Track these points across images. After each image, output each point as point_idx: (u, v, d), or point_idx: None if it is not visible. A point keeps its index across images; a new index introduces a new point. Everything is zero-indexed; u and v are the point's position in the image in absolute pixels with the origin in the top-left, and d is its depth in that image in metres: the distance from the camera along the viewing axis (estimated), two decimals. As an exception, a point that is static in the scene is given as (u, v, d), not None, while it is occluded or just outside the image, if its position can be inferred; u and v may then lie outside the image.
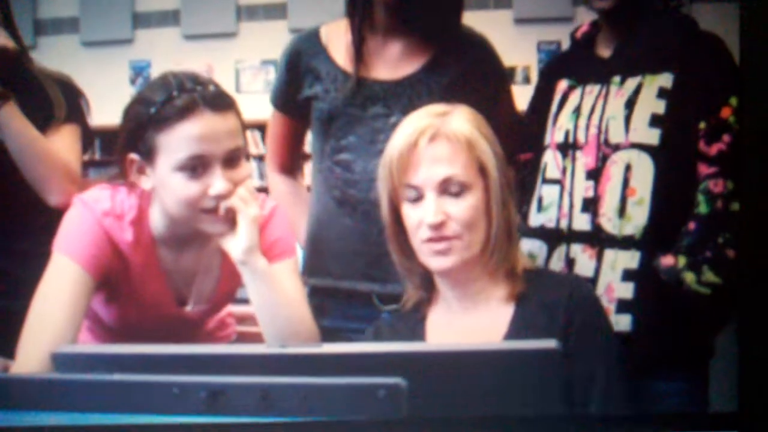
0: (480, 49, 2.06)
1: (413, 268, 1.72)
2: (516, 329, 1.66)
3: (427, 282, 1.74)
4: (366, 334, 1.80)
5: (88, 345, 1.87)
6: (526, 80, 6.25)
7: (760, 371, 1.57)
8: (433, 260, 1.66)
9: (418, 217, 1.65)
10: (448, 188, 1.64)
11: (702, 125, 1.84)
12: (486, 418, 1.25)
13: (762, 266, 1.61)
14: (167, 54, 6.83)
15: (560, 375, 1.47)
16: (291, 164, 2.22)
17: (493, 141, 1.69)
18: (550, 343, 1.26)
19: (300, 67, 2.06)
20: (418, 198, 1.65)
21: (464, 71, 2.00)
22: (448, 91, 1.94)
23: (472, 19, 2.06)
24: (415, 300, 1.76)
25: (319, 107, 2.03)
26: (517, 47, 6.23)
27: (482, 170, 1.66)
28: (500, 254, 1.67)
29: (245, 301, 1.83)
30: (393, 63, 2.01)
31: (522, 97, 2.16)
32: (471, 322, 1.70)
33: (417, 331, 1.73)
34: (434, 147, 1.64)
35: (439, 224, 1.63)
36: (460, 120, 1.67)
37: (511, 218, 1.69)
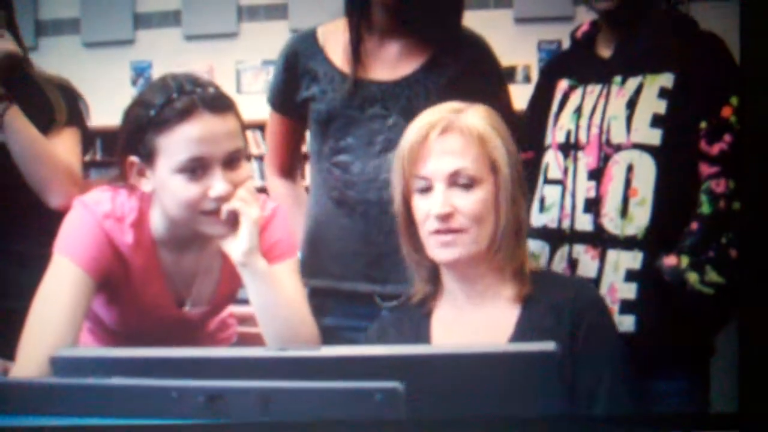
0: (477, 49, 2.06)
1: (422, 261, 1.72)
2: (522, 330, 1.66)
3: (435, 276, 1.75)
4: (370, 330, 1.80)
5: (87, 348, 1.86)
6: (527, 79, 6.25)
7: (761, 371, 1.57)
8: (438, 252, 1.66)
9: (426, 208, 1.66)
10: (457, 181, 1.64)
11: (703, 125, 1.84)
12: (485, 419, 1.25)
13: (764, 266, 1.60)
14: (168, 54, 6.83)
15: (559, 377, 1.48)
16: (290, 166, 2.22)
17: (507, 138, 1.69)
18: (549, 346, 1.26)
19: (297, 68, 2.06)
20: (428, 189, 1.66)
21: (462, 71, 2.00)
22: (446, 92, 1.94)
23: (473, 19, 2.06)
24: (422, 295, 1.76)
25: (316, 108, 2.03)
26: (517, 46, 6.24)
27: (493, 166, 1.66)
28: (507, 251, 1.67)
29: (246, 301, 1.83)
30: (390, 64, 2.01)
31: (523, 96, 2.16)
32: (476, 320, 1.70)
33: (422, 327, 1.73)
34: (445, 140, 1.65)
35: (446, 216, 1.63)
36: (474, 116, 1.68)
37: (520, 216, 1.69)
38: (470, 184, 1.64)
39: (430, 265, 1.72)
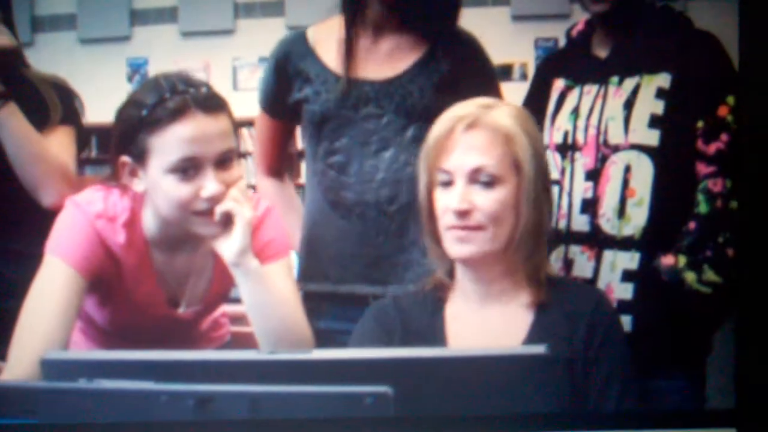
0: (469, 47, 2.03)
1: (443, 255, 1.70)
2: (535, 336, 1.65)
3: (453, 272, 1.73)
4: (386, 301, 1.78)
5: (77, 352, 1.86)
6: (523, 77, 6.23)
7: (758, 369, 1.57)
8: (454, 247, 1.65)
9: (445, 202, 1.64)
10: (478, 177, 1.62)
11: (700, 124, 1.84)
12: (475, 420, 1.25)
13: (761, 264, 1.60)
14: (165, 51, 6.82)
15: (551, 379, 1.48)
16: (279, 166, 2.20)
17: (535, 139, 1.67)
18: (539, 349, 1.26)
19: (288, 69, 2.04)
20: (449, 183, 1.64)
21: (455, 69, 1.98)
22: (440, 89, 1.94)
23: (470, 16, 2.05)
24: (436, 284, 1.74)
25: (310, 110, 2.01)
26: (514, 44, 6.22)
27: (517, 166, 1.63)
28: (524, 253, 1.65)
29: (240, 300, 1.82)
30: (383, 62, 1.99)
31: (520, 94, 2.15)
32: (490, 321, 1.69)
33: (436, 317, 1.71)
34: (471, 135, 1.63)
35: (463, 212, 1.61)
36: (503, 113, 1.66)
37: (542, 219, 1.66)
38: (491, 182, 1.62)
39: (450, 260, 1.70)
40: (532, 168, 1.63)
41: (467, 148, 1.63)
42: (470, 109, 1.66)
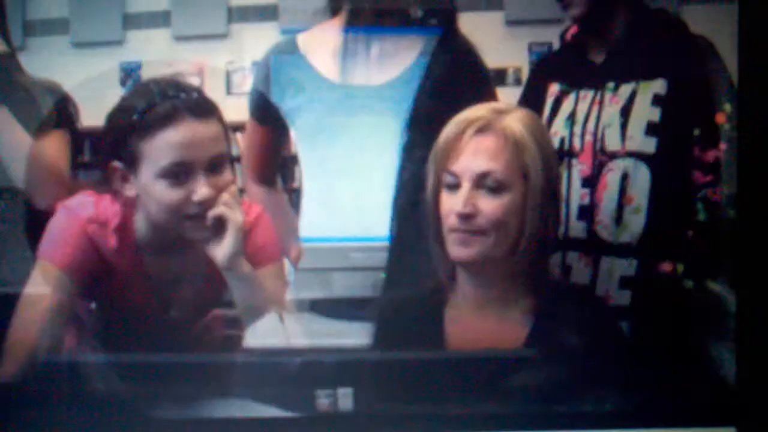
0: (464, 50, 2.02)
1: (445, 257, 1.69)
2: (534, 341, 1.64)
3: (454, 276, 1.72)
4: (383, 307, 1.78)
5: (69, 354, 1.85)
6: (517, 82, 6.24)
7: (758, 369, 1.57)
8: (456, 250, 1.64)
9: (450, 205, 1.64)
10: (484, 182, 1.62)
11: (696, 132, 1.83)
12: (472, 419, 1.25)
13: (760, 272, 1.60)
14: (158, 55, 6.82)
15: (544, 382, 1.48)
16: (270, 173, 2.20)
17: (545, 147, 1.66)
18: (530, 353, 1.26)
19: (280, 78, 2.04)
20: (455, 186, 1.63)
21: (449, 72, 1.97)
22: (434, 93, 1.93)
23: (463, 20, 2.04)
24: (436, 284, 1.73)
25: (304, 118, 2.00)
26: (508, 48, 6.22)
27: (525, 173, 1.63)
28: (527, 260, 1.65)
29: (232, 304, 1.81)
30: (376, 67, 1.98)
31: (513, 98, 2.14)
32: (489, 325, 1.68)
33: (435, 319, 1.71)
34: (480, 139, 1.63)
35: (466, 215, 1.61)
36: (515, 119, 1.65)
37: (547, 228, 1.66)
38: (498, 188, 1.62)
39: (452, 262, 1.69)
40: (540, 176, 1.63)
41: (476, 152, 1.62)
42: (482, 112, 1.66)
